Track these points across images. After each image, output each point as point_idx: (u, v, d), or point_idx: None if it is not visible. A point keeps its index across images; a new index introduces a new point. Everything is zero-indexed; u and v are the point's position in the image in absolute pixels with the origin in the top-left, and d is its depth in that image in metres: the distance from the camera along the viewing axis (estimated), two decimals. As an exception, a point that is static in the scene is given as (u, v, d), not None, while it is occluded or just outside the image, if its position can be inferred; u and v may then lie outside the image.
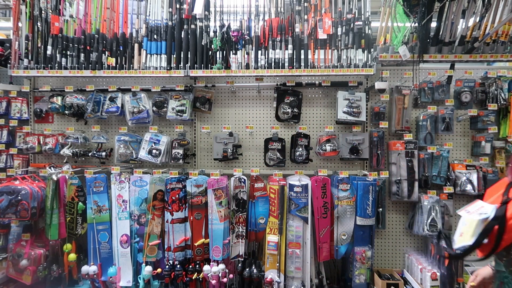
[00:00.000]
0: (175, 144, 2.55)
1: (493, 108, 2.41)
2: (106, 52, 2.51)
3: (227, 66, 2.44)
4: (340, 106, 2.48)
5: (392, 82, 2.58)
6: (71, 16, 2.58)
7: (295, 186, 2.34)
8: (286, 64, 2.40)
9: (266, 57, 2.41)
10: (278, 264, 2.29)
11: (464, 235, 1.20)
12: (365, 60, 2.35)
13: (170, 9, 2.50)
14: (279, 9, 2.47)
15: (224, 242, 2.31)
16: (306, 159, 2.53)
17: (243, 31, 2.43)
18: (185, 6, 2.48)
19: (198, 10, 2.35)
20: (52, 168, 2.56)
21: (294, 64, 2.38)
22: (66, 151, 2.60)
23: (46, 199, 2.40)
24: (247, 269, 2.35)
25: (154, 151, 2.50)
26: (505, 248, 1.19)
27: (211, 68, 2.42)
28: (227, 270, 2.32)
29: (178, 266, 2.33)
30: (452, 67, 2.42)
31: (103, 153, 2.60)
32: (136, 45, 2.50)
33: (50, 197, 2.39)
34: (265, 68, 2.40)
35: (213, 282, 2.26)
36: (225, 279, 2.29)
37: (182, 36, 2.46)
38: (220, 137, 2.56)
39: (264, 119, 2.69)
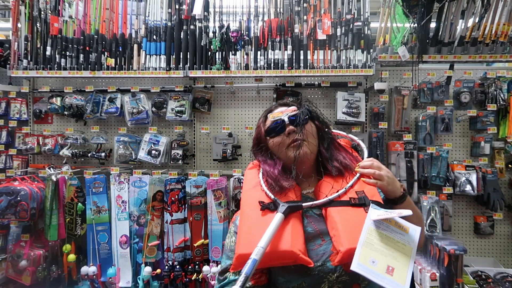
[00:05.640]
0: (174, 144, 2.55)
1: (492, 108, 2.41)
2: (106, 53, 2.51)
3: (227, 67, 2.43)
4: (340, 107, 2.48)
5: (392, 82, 2.58)
6: (70, 17, 2.58)
7: (294, 187, 2.33)
8: (286, 65, 2.40)
9: (266, 57, 2.41)
10: (277, 265, 2.29)
11: None
12: (364, 61, 2.35)
13: (170, 10, 2.50)
14: (278, 9, 2.47)
15: (224, 243, 2.31)
16: (306, 159, 2.52)
17: (242, 32, 2.43)
18: (184, 6, 2.47)
19: (197, 10, 2.35)
20: (51, 168, 2.55)
21: (294, 64, 2.38)
22: (65, 151, 2.60)
23: (46, 199, 2.40)
24: (246, 270, 2.35)
25: (153, 151, 2.50)
26: None
27: (211, 69, 2.42)
28: (226, 271, 2.32)
29: (178, 266, 2.33)
30: (451, 67, 2.42)
31: (103, 154, 2.60)
32: (135, 46, 2.50)
33: (50, 197, 2.39)
34: (264, 68, 2.40)
35: (213, 282, 2.26)
36: (224, 280, 2.29)
37: (182, 36, 2.46)
38: (220, 137, 2.56)
39: (264, 120, 2.69)
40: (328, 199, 0.94)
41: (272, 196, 0.95)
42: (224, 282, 0.93)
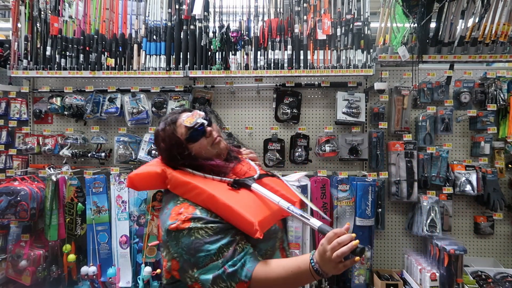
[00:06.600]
0: (174, 144, 2.55)
1: (492, 108, 2.41)
2: (106, 53, 2.51)
3: (227, 67, 2.43)
4: (340, 107, 2.48)
5: (392, 82, 2.58)
6: (70, 17, 2.58)
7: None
8: (286, 65, 2.40)
9: (266, 57, 2.41)
10: (277, 265, 2.29)
11: None
12: (364, 61, 2.35)
13: (170, 10, 2.50)
14: (278, 9, 2.47)
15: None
16: (306, 159, 2.53)
17: (242, 32, 2.43)
18: (184, 6, 2.47)
19: (197, 10, 2.35)
20: (51, 169, 2.55)
21: (294, 64, 2.38)
22: (65, 151, 2.60)
23: (46, 199, 2.40)
24: (246, 270, 2.35)
25: (153, 151, 2.50)
26: None
27: (211, 69, 2.42)
28: (226, 271, 2.32)
29: (178, 266, 2.33)
30: (451, 67, 2.42)
31: (103, 154, 2.60)
32: (135, 46, 2.50)
33: (50, 198, 2.39)
34: (264, 68, 2.40)
35: (213, 282, 2.25)
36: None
37: (182, 36, 2.46)
38: (220, 137, 2.55)
39: (264, 120, 2.69)
40: (259, 174, 1.16)
41: (230, 180, 1.09)
42: (245, 251, 0.97)
